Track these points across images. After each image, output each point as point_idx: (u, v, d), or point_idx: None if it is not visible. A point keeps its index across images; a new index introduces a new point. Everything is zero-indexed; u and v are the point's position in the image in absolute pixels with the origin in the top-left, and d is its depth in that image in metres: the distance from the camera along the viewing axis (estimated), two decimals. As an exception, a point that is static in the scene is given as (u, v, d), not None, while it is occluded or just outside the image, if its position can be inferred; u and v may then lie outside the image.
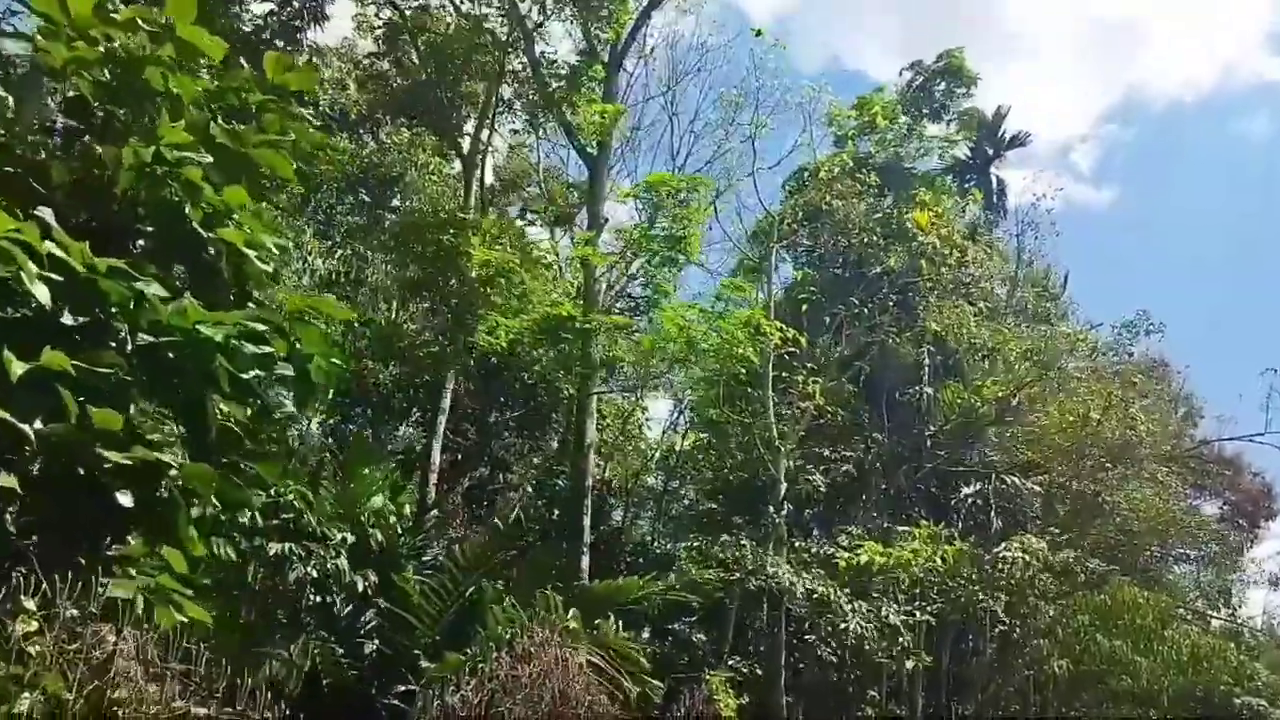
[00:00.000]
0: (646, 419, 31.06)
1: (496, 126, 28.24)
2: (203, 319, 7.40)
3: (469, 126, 27.24)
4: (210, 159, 8.16)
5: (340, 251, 27.78)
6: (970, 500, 32.25)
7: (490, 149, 29.09)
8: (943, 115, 30.96)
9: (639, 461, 31.39)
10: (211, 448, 8.10)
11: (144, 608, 7.32)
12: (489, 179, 29.93)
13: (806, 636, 22.81)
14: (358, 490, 15.54)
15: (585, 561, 20.24)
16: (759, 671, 23.23)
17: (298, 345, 8.22)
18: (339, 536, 14.26)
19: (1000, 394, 29.38)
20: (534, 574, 16.11)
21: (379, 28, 27.45)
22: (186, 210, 8.24)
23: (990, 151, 44.90)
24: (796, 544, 23.76)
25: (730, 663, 22.79)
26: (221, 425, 8.18)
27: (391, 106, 29.16)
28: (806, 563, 22.33)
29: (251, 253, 8.75)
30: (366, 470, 15.91)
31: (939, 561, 23.30)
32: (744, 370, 23.44)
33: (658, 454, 31.45)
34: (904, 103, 30.56)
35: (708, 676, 18.47)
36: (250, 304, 8.83)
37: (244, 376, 8.01)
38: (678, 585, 17.90)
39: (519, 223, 28.25)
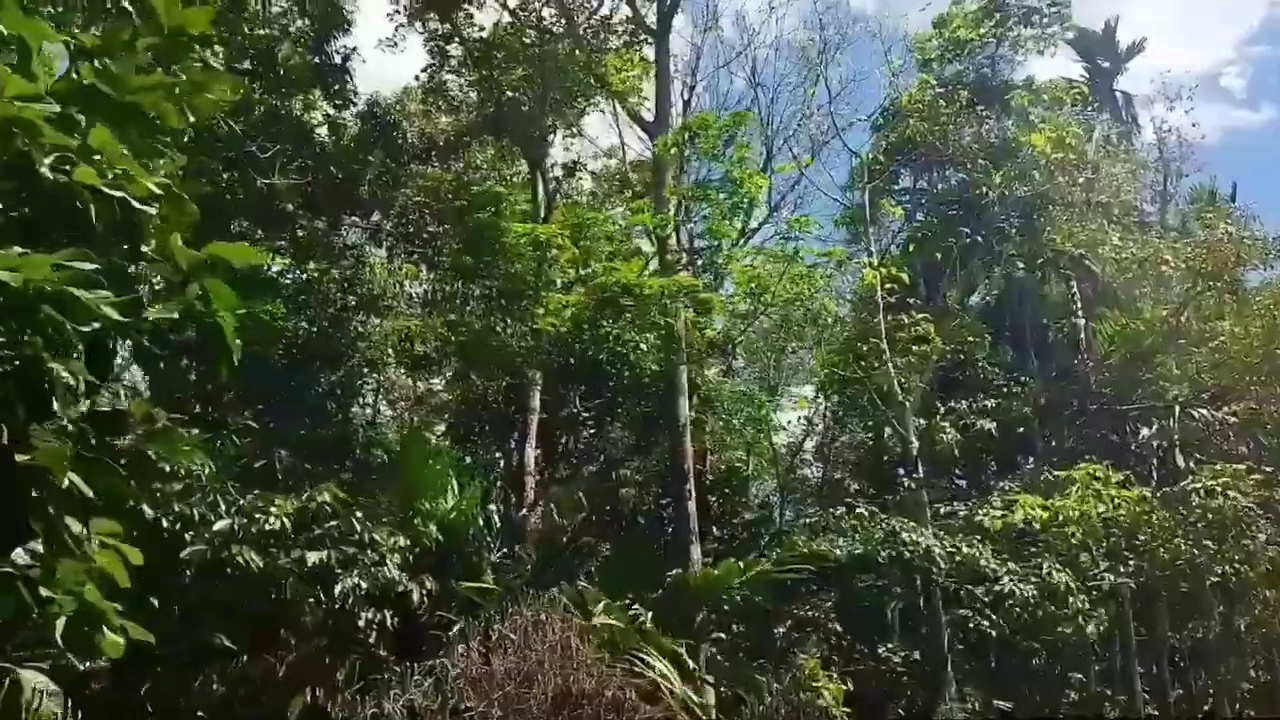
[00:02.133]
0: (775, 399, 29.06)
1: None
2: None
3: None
4: (62, 107, 7.28)
5: (437, 271, 28.03)
6: (1153, 443, 29.29)
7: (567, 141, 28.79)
8: (1034, 19, 28.24)
9: (761, 442, 29.40)
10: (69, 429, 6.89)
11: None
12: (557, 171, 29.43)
13: (961, 612, 20.28)
14: (416, 492, 14.51)
15: (696, 550, 18.46)
16: (916, 657, 20.90)
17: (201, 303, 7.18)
18: (390, 541, 13.05)
19: (1163, 314, 26.33)
20: (618, 568, 14.86)
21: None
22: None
23: (1107, 65, 42.33)
24: (941, 510, 21.38)
25: (882, 650, 20.57)
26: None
27: (477, 128, 29.38)
28: (951, 529, 19.98)
29: (122, 195, 7.63)
30: (425, 470, 14.83)
31: (1118, 510, 20.52)
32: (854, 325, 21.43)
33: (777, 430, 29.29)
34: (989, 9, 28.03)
35: (801, 660, 16.36)
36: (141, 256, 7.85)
37: (84, 330, 6.78)
38: (787, 564, 15.95)
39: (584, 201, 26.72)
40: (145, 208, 7.71)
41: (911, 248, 25.22)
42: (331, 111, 28.14)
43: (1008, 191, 26.69)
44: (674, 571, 16.09)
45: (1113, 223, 27.37)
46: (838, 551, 19.14)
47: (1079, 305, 29.43)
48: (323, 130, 27.84)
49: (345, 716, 10.79)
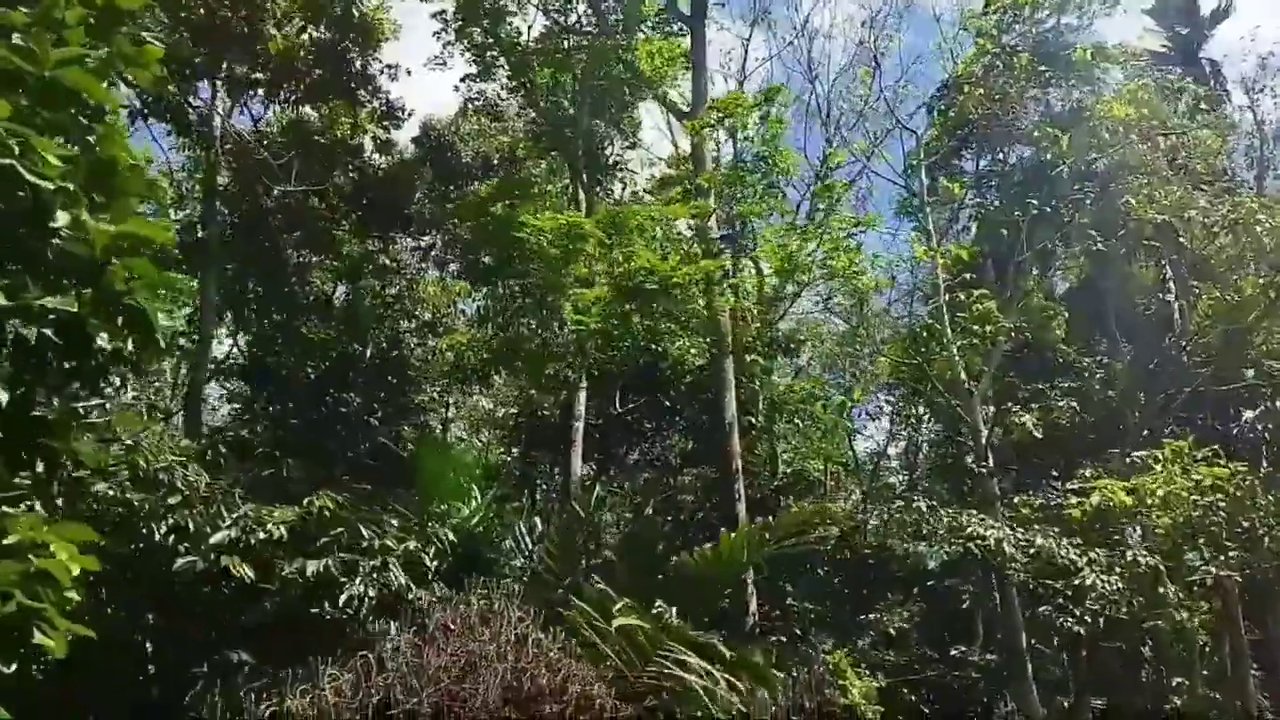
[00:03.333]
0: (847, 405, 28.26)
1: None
2: None
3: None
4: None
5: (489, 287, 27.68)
6: (1258, 426, 27.77)
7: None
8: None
9: (836, 447, 28.61)
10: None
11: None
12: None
13: (1042, 609, 19.14)
14: (430, 497, 14.20)
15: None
16: (993, 659, 19.84)
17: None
18: (400, 548, 12.71)
19: (1261, 283, 24.79)
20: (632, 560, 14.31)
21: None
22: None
23: (1188, 33, 40.52)
24: (1015, 499, 20.31)
25: (955, 653, 19.57)
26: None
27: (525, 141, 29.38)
28: (1026, 519, 18.90)
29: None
30: (440, 476, 14.51)
31: (1214, 493, 19.14)
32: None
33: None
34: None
35: (825, 655, 15.54)
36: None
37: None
38: (788, 530, 15.13)
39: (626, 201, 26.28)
40: (46, 183, 7.48)
41: (975, 227, 24.15)
42: (379, 132, 28.39)
43: (1079, 162, 25.42)
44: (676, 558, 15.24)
45: (1200, 189, 25.95)
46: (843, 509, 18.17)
47: (1170, 280, 28.05)
48: (370, 150, 28.09)
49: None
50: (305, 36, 21.60)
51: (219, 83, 19.45)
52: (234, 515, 11.61)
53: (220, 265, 21.48)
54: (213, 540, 11.21)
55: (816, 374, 31.31)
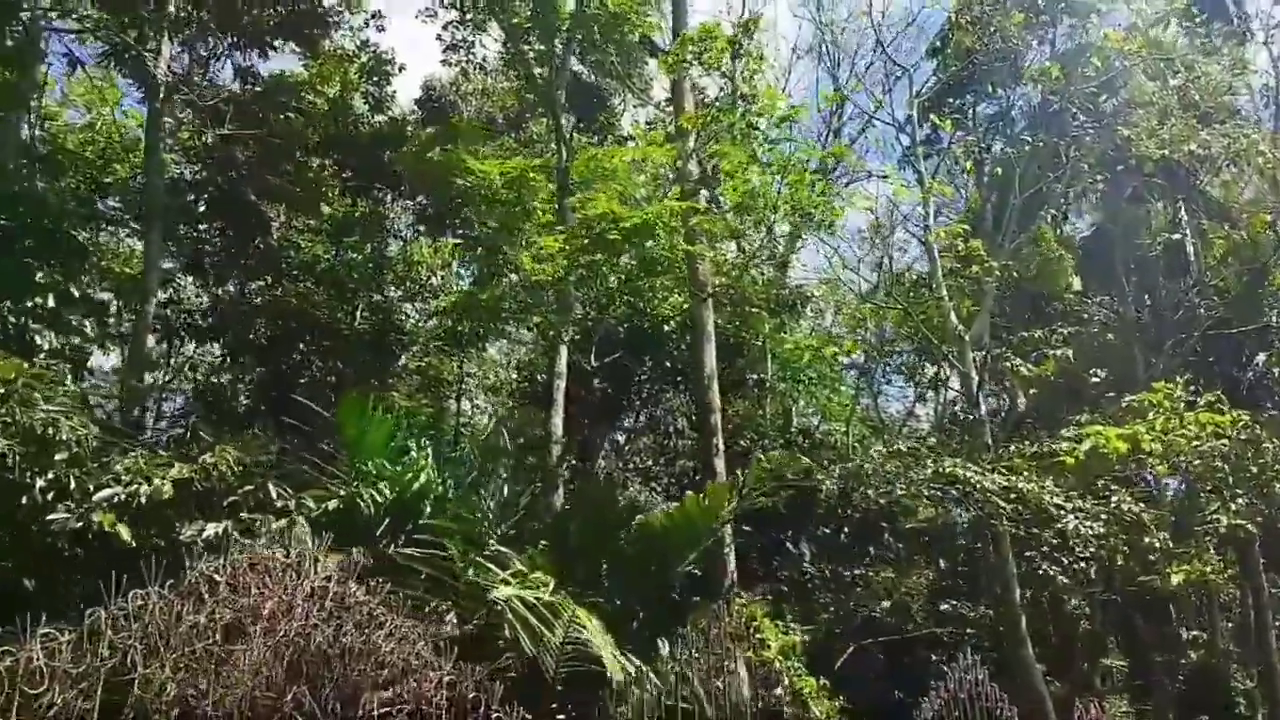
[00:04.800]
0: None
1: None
2: None
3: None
4: None
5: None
6: (1273, 370, 26.03)
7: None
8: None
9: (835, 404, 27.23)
10: None
11: None
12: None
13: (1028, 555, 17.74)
14: (356, 455, 13.05)
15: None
16: (990, 614, 18.49)
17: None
18: (320, 508, 11.63)
19: (1267, 219, 23.11)
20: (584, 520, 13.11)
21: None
22: None
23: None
24: (1011, 448, 18.91)
25: (945, 606, 18.24)
26: None
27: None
28: (1018, 467, 17.48)
29: None
30: (364, 434, 13.29)
31: (1217, 439, 17.60)
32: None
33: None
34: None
35: (740, 601, 14.27)
36: None
37: None
38: (756, 488, 13.84)
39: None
40: None
41: (970, 165, 22.64)
42: (371, 89, 27.27)
43: (1083, 100, 23.74)
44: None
45: (1211, 127, 24.18)
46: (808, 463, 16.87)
47: (1183, 221, 26.37)
48: (362, 108, 26.96)
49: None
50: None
51: (164, 27, 18.23)
52: (116, 471, 10.53)
53: (172, 221, 20.48)
54: (96, 497, 10.14)
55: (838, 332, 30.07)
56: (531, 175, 16.63)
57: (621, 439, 27.69)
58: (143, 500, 10.31)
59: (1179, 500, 23.83)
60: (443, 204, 18.90)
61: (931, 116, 23.59)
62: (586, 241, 15.94)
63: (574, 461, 20.72)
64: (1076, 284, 24.48)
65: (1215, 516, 18.59)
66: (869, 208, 25.91)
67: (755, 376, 26.35)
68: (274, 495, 11.35)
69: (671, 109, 21.71)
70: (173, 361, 25.43)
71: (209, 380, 23.80)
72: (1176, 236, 25.53)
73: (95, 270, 20.10)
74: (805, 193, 16.11)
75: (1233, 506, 18.35)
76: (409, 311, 27.28)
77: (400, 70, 27.10)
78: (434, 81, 31.50)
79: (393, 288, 25.87)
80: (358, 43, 26.63)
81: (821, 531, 24.04)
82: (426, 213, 27.56)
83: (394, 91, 27.53)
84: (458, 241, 26.72)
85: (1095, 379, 24.07)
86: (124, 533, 9.78)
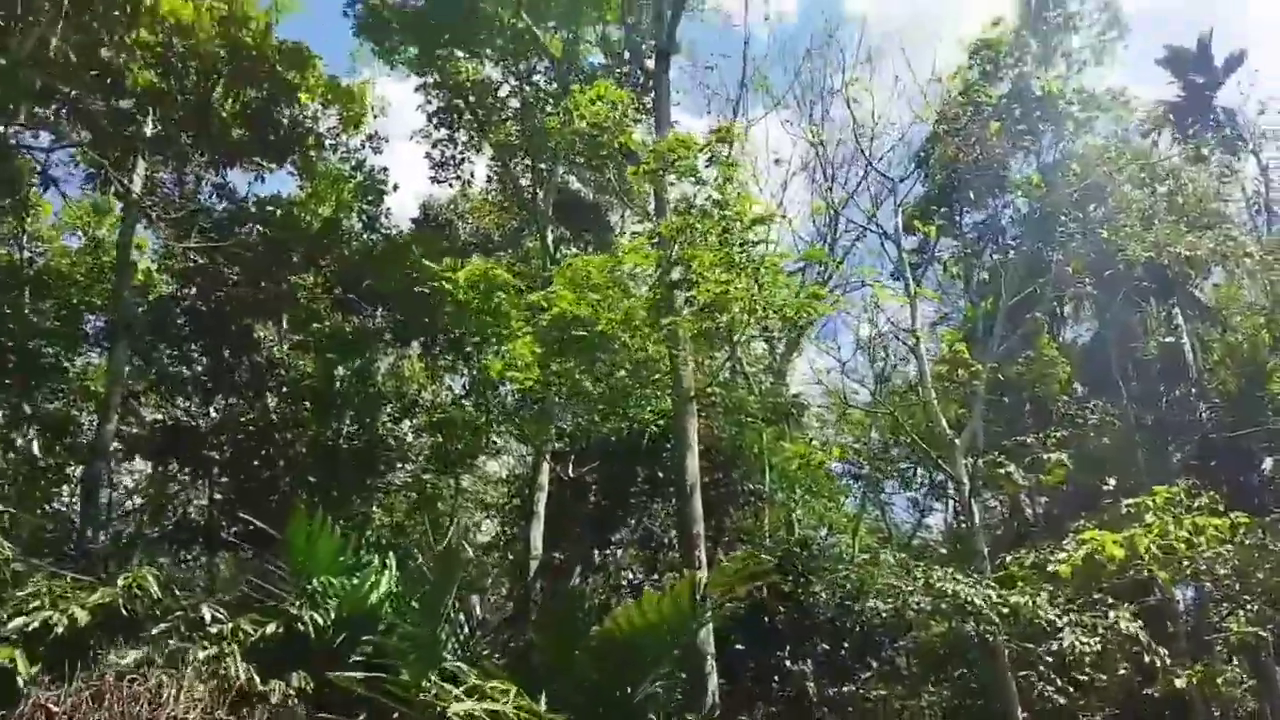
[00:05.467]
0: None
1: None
2: None
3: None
4: None
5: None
6: (1276, 476, 25.19)
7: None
8: (1077, 24, 25.13)
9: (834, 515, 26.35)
10: None
11: None
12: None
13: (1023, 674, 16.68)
14: (303, 573, 12.26)
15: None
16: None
17: None
18: (258, 632, 10.84)
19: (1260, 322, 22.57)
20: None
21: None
22: None
23: (1203, 81, 38.68)
24: (1007, 558, 18.02)
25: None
26: None
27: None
28: (1013, 577, 16.61)
29: None
30: (310, 550, 12.53)
31: (1218, 543, 16.69)
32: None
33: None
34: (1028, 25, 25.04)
35: None
36: None
37: None
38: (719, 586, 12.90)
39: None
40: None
41: (956, 270, 22.25)
42: (366, 208, 27.22)
43: (1070, 209, 23.44)
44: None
45: (1199, 231, 23.80)
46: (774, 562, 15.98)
47: (1179, 325, 25.84)
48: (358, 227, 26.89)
49: None
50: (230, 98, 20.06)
51: (137, 146, 18.13)
52: (24, 595, 9.80)
53: (149, 337, 20.16)
54: (9, 628, 9.42)
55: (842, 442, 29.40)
56: (497, 275, 16.18)
57: (619, 552, 26.85)
58: (58, 630, 9.57)
59: (1190, 608, 22.89)
60: (422, 315, 18.41)
61: (917, 224, 23.25)
62: (556, 346, 15.40)
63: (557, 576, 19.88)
64: (1061, 386, 23.88)
65: (1226, 625, 17.71)
66: (867, 315, 25.32)
67: (752, 487, 25.60)
68: (207, 618, 10.60)
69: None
70: (134, 480, 24.91)
71: (168, 499, 23.28)
72: (1171, 340, 24.90)
73: (72, 389, 19.78)
74: (781, 294, 15.61)
75: (1242, 614, 17.53)
76: (400, 427, 26.80)
77: (394, 189, 27.10)
78: (432, 201, 31.62)
79: (381, 404, 25.37)
80: (353, 163, 26.71)
81: (821, 648, 22.94)
82: (408, 327, 27.37)
83: (388, 209, 27.53)
84: (445, 356, 26.39)
85: (1106, 486, 23.20)
86: (21, 666, 8.98)
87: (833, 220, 31.13)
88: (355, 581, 12.22)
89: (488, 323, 16.45)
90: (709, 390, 23.57)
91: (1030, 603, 15.11)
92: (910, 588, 15.81)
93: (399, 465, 25.30)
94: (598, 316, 15.24)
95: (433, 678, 10.25)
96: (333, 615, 11.69)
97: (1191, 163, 27.16)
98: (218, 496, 21.72)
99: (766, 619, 20.80)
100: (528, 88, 22.93)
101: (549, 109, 22.06)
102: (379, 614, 12.18)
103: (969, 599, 14.97)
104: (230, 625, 10.62)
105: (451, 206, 31.31)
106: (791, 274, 18.04)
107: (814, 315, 16.82)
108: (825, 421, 29.42)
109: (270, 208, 23.66)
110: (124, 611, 10.28)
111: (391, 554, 13.45)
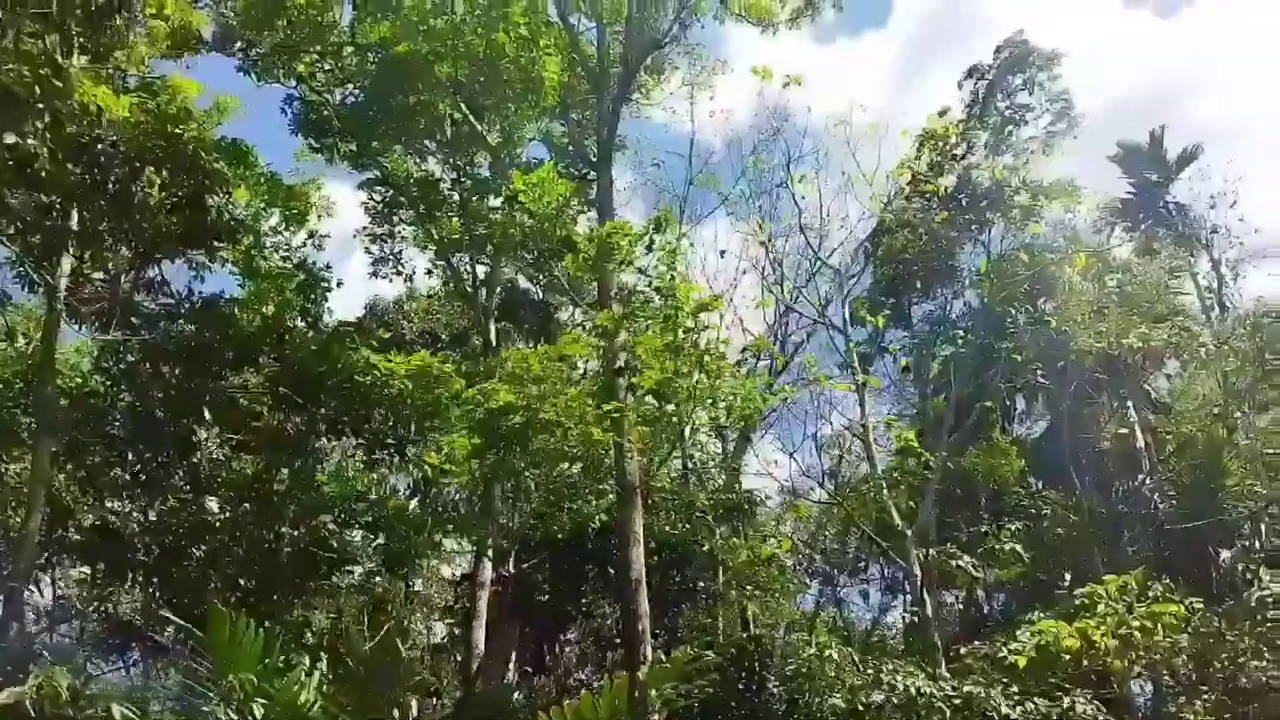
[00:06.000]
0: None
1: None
2: None
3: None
4: None
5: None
6: (1237, 566, 24.87)
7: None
8: (1027, 116, 25.52)
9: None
10: None
11: None
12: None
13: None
14: (225, 671, 11.59)
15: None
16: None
17: None
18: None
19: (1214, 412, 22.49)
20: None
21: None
22: None
23: (1155, 178, 39.38)
24: (961, 650, 17.54)
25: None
26: None
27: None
28: (968, 669, 16.13)
29: None
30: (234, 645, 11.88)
31: (1175, 632, 16.26)
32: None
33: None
34: (977, 117, 25.39)
35: None
36: None
37: None
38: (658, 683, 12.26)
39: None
40: None
41: (906, 362, 22.14)
42: (310, 306, 26.80)
43: (1018, 299, 23.49)
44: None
45: (1151, 324, 23.87)
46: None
47: (1131, 416, 25.80)
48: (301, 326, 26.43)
49: None
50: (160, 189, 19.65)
51: (63, 239, 17.70)
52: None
53: (69, 440, 19.54)
54: None
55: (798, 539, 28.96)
56: (437, 368, 15.82)
57: (569, 650, 26.12)
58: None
59: (1148, 701, 22.36)
60: (361, 410, 17.95)
61: (865, 315, 23.20)
62: (495, 439, 14.98)
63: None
64: (1014, 478, 23.66)
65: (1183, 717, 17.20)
66: (819, 410, 25.14)
67: (705, 584, 25.04)
68: (118, 718, 9.96)
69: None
70: (65, 584, 24.00)
71: (100, 601, 22.40)
72: (1124, 431, 24.80)
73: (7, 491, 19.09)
74: (727, 384, 15.34)
75: (1199, 704, 17.05)
76: (348, 530, 26.03)
77: (338, 285, 26.71)
78: (378, 300, 31.35)
79: (324, 505, 24.64)
80: (295, 261, 26.37)
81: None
82: (348, 423, 26.85)
83: (331, 309, 27.15)
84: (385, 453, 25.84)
85: (1063, 580, 22.84)
86: None
87: (783, 316, 31.10)
88: (282, 682, 11.60)
89: (427, 415, 16.03)
90: (658, 484, 23.24)
91: (983, 694, 14.60)
92: (860, 682, 15.25)
93: (346, 568, 24.45)
94: (537, 407, 14.84)
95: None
96: (259, 715, 11.05)
97: (1141, 255, 27.46)
98: (151, 599, 20.87)
99: (719, 717, 20.17)
100: (468, 181, 22.75)
101: (491, 203, 21.92)
102: (308, 715, 11.55)
103: (919, 690, 14.45)
104: (144, 726, 9.99)
105: (397, 305, 31.09)
106: (739, 366, 17.74)
107: (760, 407, 16.52)
108: (780, 518, 29.03)
109: (208, 306, 23.24)
110: (32, 712, 9.64)
111: (324, 655, 12.85)
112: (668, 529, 24.28)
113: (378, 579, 25.77)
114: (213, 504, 22.15)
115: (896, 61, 69.60)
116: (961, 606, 24.58)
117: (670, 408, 15.02)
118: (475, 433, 15.32)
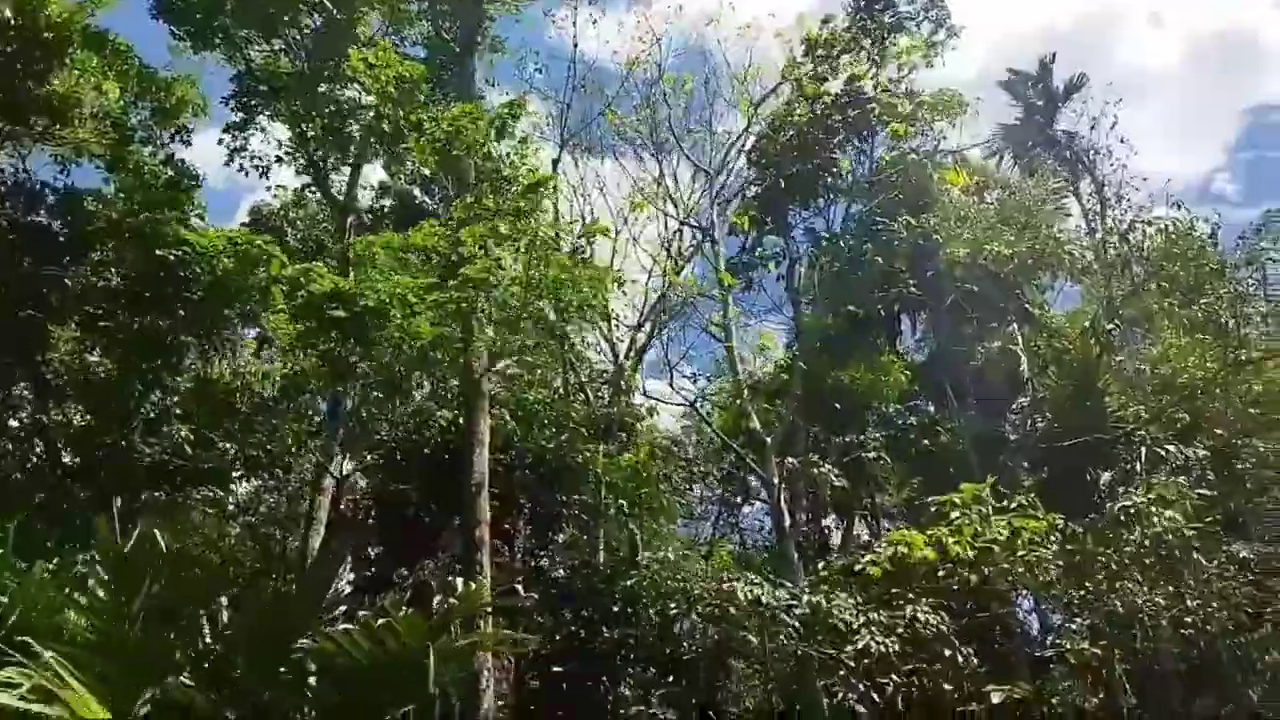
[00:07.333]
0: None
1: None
2: None
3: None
4: None
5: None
6: (1118, 488, 24.36)
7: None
8: (907, 25, 24.46)
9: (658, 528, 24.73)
10: None
11: None
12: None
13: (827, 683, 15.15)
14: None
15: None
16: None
17: None
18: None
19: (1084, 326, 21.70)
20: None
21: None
22: None
23: (1042, 104, 39.04)
24: (820, 564, 16.65)
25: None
26: None
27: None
28: (824, 578, 15.20)
29: None
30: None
31: (1040, 545, 15.36)
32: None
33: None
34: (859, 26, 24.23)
35: None
36: None
37: None
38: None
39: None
40: None
41: (773, 265, 21.15)
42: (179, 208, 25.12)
43: (901, 214, 22.47)
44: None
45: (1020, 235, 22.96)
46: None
47: (1013, 334, 25.06)
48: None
49: None
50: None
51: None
52: None
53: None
54: None
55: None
56: (259, 246, 14.38)
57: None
58: None
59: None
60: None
61: (739, 221, 22.09)
62: (317, 325, 13.62)
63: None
64: (895, 394, 22.83)
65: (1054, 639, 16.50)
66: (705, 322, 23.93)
67: (582, 503, 24.00)
68: None
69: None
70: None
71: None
72: (997, 345, 24.03)
73: None
74: (558, 273, 14.09)
75: (1072, 627, 16.31)
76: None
77: (201, 178, 25.02)
78: (263, 205, 29.64)
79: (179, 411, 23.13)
80: (163, 157, 24.64)
81: (645, 671, 21.21)
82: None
83: (203, 207, 25.42)
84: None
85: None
86: None
87: (675, 232, 29.80)
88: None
89: (248, 295, 14.63)
90: (533, 397, 22.02)
91: (823, 602, 13.67)
92: (721, 599, 14.25)
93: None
94: (364, 293, 13.50)
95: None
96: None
97: (1027, 176, 26.65)
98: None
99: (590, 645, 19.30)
100: (328, 72, 21.02)
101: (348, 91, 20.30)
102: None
103: (759, 599, 13.49)
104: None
105: (283, 212, 29.42)
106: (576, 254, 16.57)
107: (603, 298, 15.32)
108: (665, 434, 28.00)
109: (70, 197, 21.68)
110: None
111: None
112: (545, 444, 23.25)
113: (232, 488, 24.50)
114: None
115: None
116: (844, 528, 23.74)
117: (493, 295, 13.69)
118: (301, 317, 13.93)
